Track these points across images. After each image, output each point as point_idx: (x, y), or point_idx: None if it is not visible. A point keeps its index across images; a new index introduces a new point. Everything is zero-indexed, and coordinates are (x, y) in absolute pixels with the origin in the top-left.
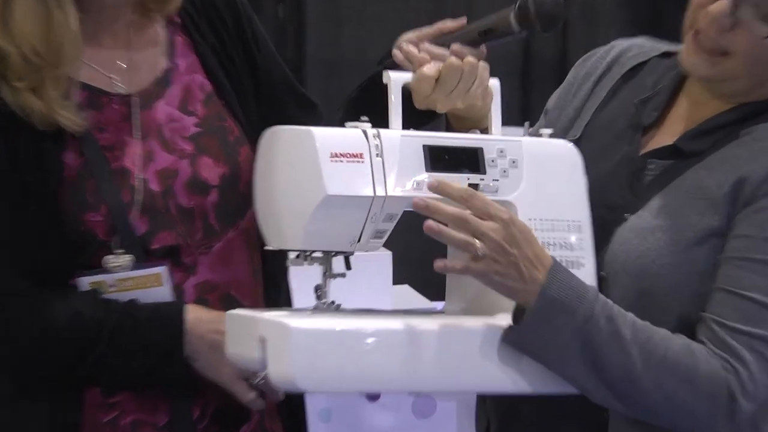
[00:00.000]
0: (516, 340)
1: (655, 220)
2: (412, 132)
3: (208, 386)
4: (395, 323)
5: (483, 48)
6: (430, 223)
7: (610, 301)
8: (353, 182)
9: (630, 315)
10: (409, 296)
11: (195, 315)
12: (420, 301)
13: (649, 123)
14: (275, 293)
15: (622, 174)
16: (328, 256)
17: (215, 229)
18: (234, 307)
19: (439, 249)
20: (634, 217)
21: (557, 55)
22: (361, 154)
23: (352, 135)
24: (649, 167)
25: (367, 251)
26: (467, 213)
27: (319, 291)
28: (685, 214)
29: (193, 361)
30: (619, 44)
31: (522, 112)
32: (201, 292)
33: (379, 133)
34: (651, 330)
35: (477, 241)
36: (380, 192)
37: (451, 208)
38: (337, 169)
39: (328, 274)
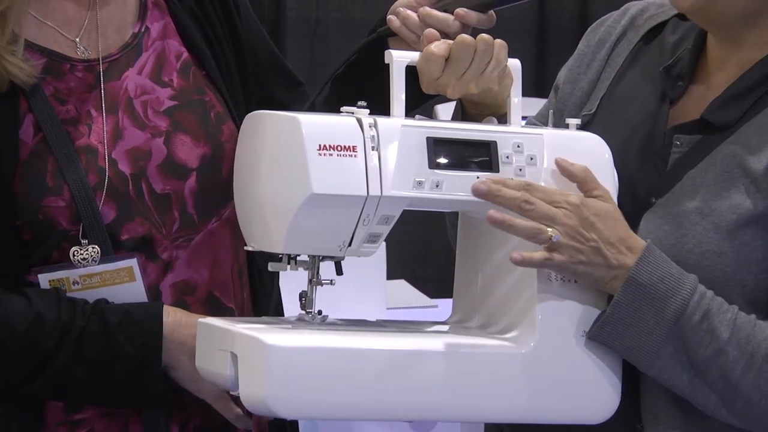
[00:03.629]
0: (600, 335)
1: (689, 202)
2: (414, 122)
3: (188, 400)
4: (392, 341)
5: (492, 14)
6: (492, 212)
7: (710, 293)
8: (344, 179)
9: (734, 309)
10: (405, 293)
11: (174, 318)
12: (417, 299)
13: (676, 96)
14: (263, 294)
15: (647, 152)
16: (315, 260)
17: (194, 219)
18: (218, 310)
19: (439, 240)
20: (664, 201)
21: (577, 13)
22: (354, 147)
23: (345, 124)
24: (675, 144)
25: (359, 257)
26: (532, 197)
27: (304, 299)
28: (724, 194)
29: (172, 370)
30: (634, 5)
31: (536, 78)
32: (180, 293)
33: (376, 122)
34: (753, 326)
35: (548, 228)
36: (374, 191)
37: (514, 192)
38: (325, 164)
39: (315, 281)
